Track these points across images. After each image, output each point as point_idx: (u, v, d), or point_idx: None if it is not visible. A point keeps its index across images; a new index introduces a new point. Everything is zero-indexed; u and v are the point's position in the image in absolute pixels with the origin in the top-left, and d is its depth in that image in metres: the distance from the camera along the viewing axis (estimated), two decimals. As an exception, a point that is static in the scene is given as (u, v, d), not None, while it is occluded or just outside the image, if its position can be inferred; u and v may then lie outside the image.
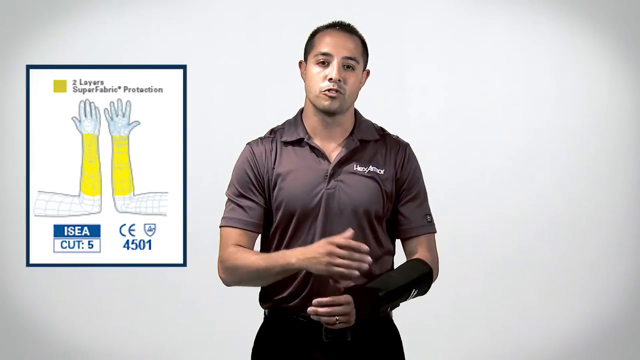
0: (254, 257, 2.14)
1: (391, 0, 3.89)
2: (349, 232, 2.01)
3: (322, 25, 2.24)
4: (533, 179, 3.93)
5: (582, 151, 3.94)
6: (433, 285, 2.28)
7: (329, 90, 2.14)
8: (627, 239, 3.95)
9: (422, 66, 3.91)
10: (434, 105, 3.91)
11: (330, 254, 1.98)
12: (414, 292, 2.15)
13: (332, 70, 2.14)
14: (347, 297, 2.01)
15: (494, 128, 3.93)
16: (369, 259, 1.98)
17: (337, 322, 2.00)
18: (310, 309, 2.00)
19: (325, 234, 2.13)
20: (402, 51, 3.90)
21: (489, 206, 3.92)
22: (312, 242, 2.14)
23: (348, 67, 2.16)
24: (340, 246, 1.98)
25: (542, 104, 3.93)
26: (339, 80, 2.14)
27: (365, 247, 1.98)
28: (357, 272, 1.98)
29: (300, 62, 2.26)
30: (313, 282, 2.15)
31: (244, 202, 2.21)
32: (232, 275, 2.20)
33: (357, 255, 1.97)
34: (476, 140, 3.92)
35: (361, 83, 2.23)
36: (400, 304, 2.26)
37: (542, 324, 3.92)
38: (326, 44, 2.17)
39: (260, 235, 2.27)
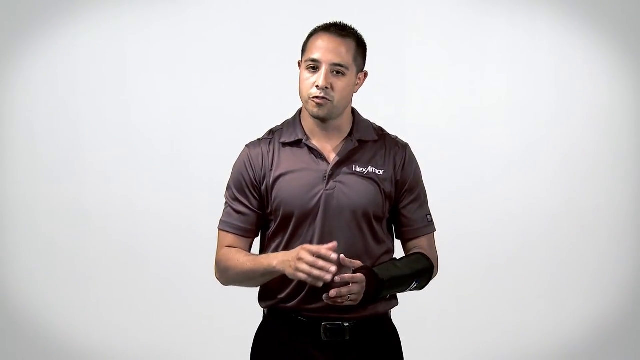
0: (244, 259, 2.16)
1: (390, 0, 3.89)
2: (333, 243, 2.00)
3: (319, 25, 2.21)
4: (533, 178, 3.93)
5: (582, 150, 3.94)
6: (433, 284, 2.30)
7: (315, 97, 2.13)
8: (627, 239, 3.95)
9: (422, 65, 3.90)
10: (434, 105, 3.91)
11: (299, 259, 1.98)
12: (414, 284, 2.17)
13: (320, 77, 2.12)
14: (361, 276, 2.01)
15: (494, 127, 3.93)
16: (333, 268, 1.95)
17: (347, 299, 2.00)
18: (332, 292, 1.97)
19: (324, 235, 2.14)
20: (401, 51, 3.90)
21: (488, 206, 3.92)
22: (310, 243, 2.14)
23: (337, 72, 2.14)
24: (312, 253, 1.98)
25: (542, 103, 3.93)
26: (326, 87, 2.12)
27: (333, 257, 1.96)
28: (319, 283, 1.97)
29: (299, 62, 2.24)
30: (312, 282, 2.16)
31: (239, 207, 2.22)
32: (225, 276, 2.24)
33: (320, 263, 1.96)
34: (476, 139, 3.92)
35: (357, 85, 2.21)
36: (398, 300, 2.28)
37: (541, 324, 3.92)
38: (316, 49, 2.15)
39: (259, 237, 2.28)
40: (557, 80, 3.93)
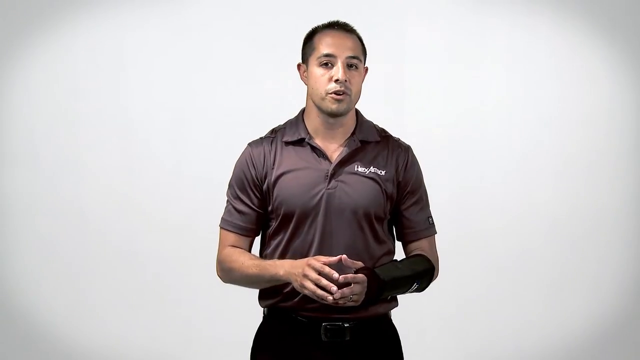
0: (249, 263, 2.17)
1: (390, 0, 3.88)
2: (341, 256, 2.01)
3: (319, 25, 2.23)
4: (534, 179, 3.92)
5: (583, 151, 3.93)
6: (433, 286, 2.30)
7: (336, 92, 2.13)
8: (628, 240, 3.94)
9: (422, 66, 3.90)
10: (434, 106, 3.90)
11: (305, 276, 2.00)
12: (414, 285, 2.17)
13: (338, 71, 2.13)
14: (363, 277, 2.02)
15: (494, 128, 3.92)
16: (334, 288, 1.97)
17: (349, 300, 2.01)
18: (336, 294, 1.97)
19: (325, 234, 2.15)
20: (401, 51, 3.89)
21: (489, 207, 3.91)
22: (311, 242, 2.16)
23: (351, 66, 2.16)
24: (316, 270, 1.99)
25: (542, 104, 3.92)
26: (345, 80, 2.13)
27: (335, 276, 1.98)
28: (322, 300, 1.99)
29: (299, 65, 2.25)
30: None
31: (240, 206, 2.23)
32: (227, 276, 2.25)
33: (323, 283, 1.98)
34: (476, 140, 3.91)
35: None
36: (399, 300, 2.29)
37: (543, 325, 3.92)
38: (328, 45, 2.15)
39: (260, 234, 2.28)
40: (558, 81, 3.92)
